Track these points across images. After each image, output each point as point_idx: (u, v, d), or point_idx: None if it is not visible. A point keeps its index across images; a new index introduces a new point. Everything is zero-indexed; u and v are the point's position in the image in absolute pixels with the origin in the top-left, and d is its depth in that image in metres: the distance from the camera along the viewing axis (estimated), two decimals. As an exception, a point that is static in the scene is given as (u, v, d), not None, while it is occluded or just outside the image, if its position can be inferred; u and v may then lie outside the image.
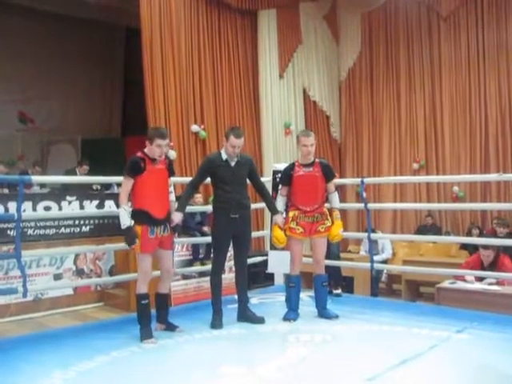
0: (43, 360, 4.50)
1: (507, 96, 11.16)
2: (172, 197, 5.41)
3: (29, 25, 12.99)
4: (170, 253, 5.49)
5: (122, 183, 5.16)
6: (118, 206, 8.18)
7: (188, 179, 6.16)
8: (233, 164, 5.53)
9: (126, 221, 5.01)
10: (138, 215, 5.08)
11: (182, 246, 7.45)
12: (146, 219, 5.08)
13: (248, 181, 5.76)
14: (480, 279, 6.54)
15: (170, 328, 5.40)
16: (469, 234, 9.73)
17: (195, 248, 7.68)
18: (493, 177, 8.43)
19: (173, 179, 5.56)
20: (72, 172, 9.62)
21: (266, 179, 7.19)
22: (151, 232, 5.11)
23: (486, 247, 6.61)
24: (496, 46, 11.26)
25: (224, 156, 5.53)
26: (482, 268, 6.64)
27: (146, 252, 5.12)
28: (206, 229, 7.91)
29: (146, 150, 5.18)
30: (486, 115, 11.42)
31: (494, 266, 6.62)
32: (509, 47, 11.10)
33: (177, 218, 5.33)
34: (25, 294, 5.40)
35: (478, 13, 11.53)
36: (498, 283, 6.46)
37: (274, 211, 5.81)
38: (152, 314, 5.30)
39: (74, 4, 12.18)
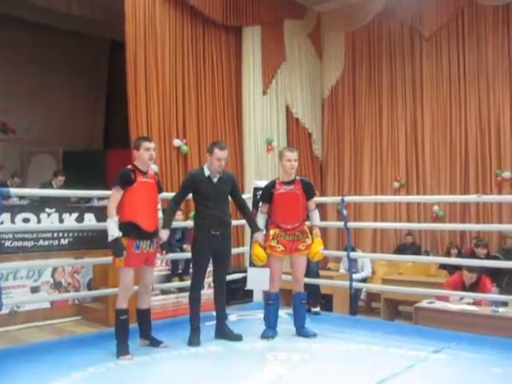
0: (17, 376, 4.44)
1: (487, 116, 11.27)
2: (160, 214, 5.39)
3: (13, 35, 12.93)
4: (153, 269, 5.46)
5: (111, 194, 5.11)
6: (97, 219, 8.27)
7: (169, 194, 6.14)
8: (215, 180, 5.52)
9: (114, 232, 4.95)
10: (126, 228, 5.02)
11: (160, 261, 7.41)
12: (133, 232, 5.03)
13: (229, 197, 5.75)
14: (459, 299, 6.59)
15: (154, 343, 5.36)
16: (447, 253, 9.77)
17: (174, 263, 7.65)
18: (472, 198, 8.53)
19: (160, 196, 5.53)
20: (48, 184, 9.48)
21: (247, 196, 7.20)
22: (136, 247, 5.07)
23: (471, 270, 6.66)
24: (477, 66, 11.40)
25: (207, 172, 5.52)
26: (464, 288, 6.70)
27: (129, 266, 5.07)
28: (185, 246, 7.88)
29: (135, 163, 5.17)
30: (466, 135, 11.53)
31: (475, 286, 6.68)
32: (489, 67, 11.24)
33: (164, 235, 5.31)
34: (0, 308, 5.33)
35: (459, 33, 11.67)
36: (475, 303, 6.50)
37: (254, 229, 5.80)
38: (135, 329, 5.26)
39: (58, 15, 12.18)
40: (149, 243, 5.17)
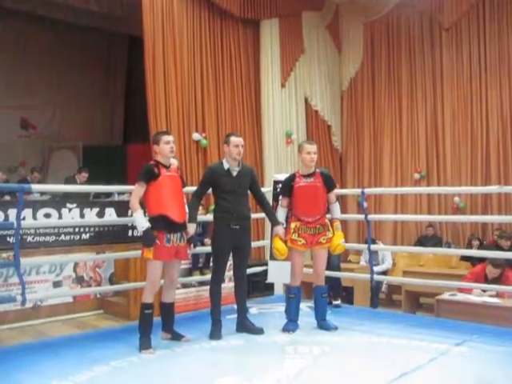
0: (41, 370, 4.48)
1: (509, 107, 11.15)
2: (186, 208, 5.41)
3: (32, 32, 13.07)
4: (180, 263, 5.48)
5: (134, 189, 5.13)
6: (118, 213, 8.33)
7: (190, 188, 6.15)
8: (235, 174, 5.53)
9: (143, 223, 4.98)
10: (156, 221, 5.04)
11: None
12: (163, 224, 5.05)
13: (248, 191, 5.75)
14: (482, 291, 6.53)
15: (176, 337, 5.38)
16: (469, 245, 9.70)
17: (195, 257, 7.68)
18: (493, 189, 8.41)
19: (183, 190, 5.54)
20: (71, 180, 9.60)
21: (267, 189, 7.19)
22: (167, 240, 5.08)
23: (496, 265, 6.59)
24: (498, 57, 11.27)
25: (226, 166, 5.53)
26: (486, 280, 6.64)
27: (158, 259, 5.09)
28: (206, 240, 7.90)
29: (157, 158, 5.19)
30: (488, 126, 11.42)
31: (498, 279, 6.62)
32: (511, 58, 11.10)
33: (191, 229, 5.33)
34: (23, 303, 5.39)
35: (480, 24, 11.54)
36: (498, 295, 6.45)
37: (274, 222, 5.79)
38: (157, 322, 5.29)
39: (76, 12, 12.25)
40: (179, 236, 5.18)
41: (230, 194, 5.46)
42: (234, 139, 5.52)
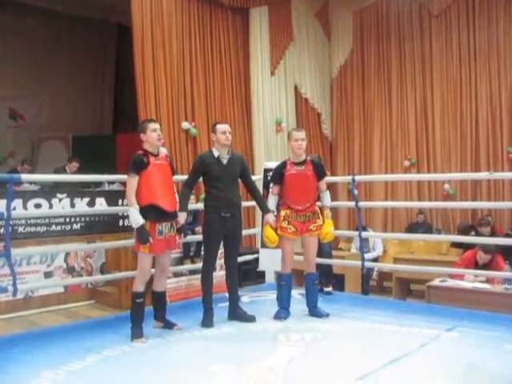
0: (33, 360, 4.48)
1: (498, 94, 11.19)
2: (177, 197, 5.39)
3: (19, 21, 12.92)
4: (171, 252, 5.49)
5: (127, 182, 5.08)
6: (108, 203, 8.31)
7: (179, 177, 6.15)
8: (225, 162, 5.52)
9: (138, 219, 4.94)
10: (146, 211, 5.00)
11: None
12: (154, 214, 5.03)
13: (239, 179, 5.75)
14: (474, 277, 6.58)
15: (168, 326, 5.39)
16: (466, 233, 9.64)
17: (186, 246, 7.68)
18: (483, 175, 8.47)
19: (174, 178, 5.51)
20: (61, 170, 9.54)
21: (257, 177, 7.20)
22: (159, 233, 5.07)
23: (487, 251, 6.64)
24: (487, 44, 11.29)
25: (216, 153, 5.52)
26: (476, 266, 6.69)
27: (154, 253, 5.11)
28: (197, 229, 7.89)
29: (145, 147, 5.16)
30: (477, 113, 11.46)
31: (488, 265, 6.67)
32: (500, 45, 11.13)
33: (182, 218, 5.33)
34: (15, 293, 5.39)
35: (469, 11, 11.55)
36: (488, 281, 6.50)
37: (265, 210, 5.80)
38: (149, 311, 5.30)
39: (64, 1, 12.13)
40: (169, 226, 5.17)
41: (220, 182, 5.46)
42: (220, 126, 5.54)
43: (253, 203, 6.25)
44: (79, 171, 9.37)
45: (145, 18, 9.66)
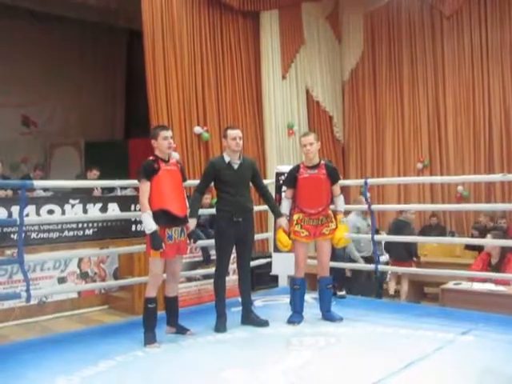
0: (47, 365, 4.50)
1: (511, 95, 11.11)
2: (187, 202, 5.39)
3: (31, 28, 13.01)
4: (182, 257, 5.49)
5: (140, 189, 5.10)
6: (121, 208, 8.32)
7: (192, 182, 6.15)
8: (236, 167, 5.52)
9: (151, 225, 4.95)
10: (157, 216, 5.01)
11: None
12: (164, 219, 5.03)
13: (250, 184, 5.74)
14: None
15: (181, 331, 5.39)
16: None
17: (205, 250, 7.61)
18: (497, 177, 8.40)
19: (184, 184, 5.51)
20: (82, 177, 9.57)
21: (269, 181, 7.18)
22: (169, 237, 5.08)
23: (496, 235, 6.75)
24: (500, 44, 11.22)
25: (227, 159, 5.52)
26: (490, 265, 6.68)
27: (165, 258, 5.11)
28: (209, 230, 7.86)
29: (156, 153, 5.18)
30: (490, 114, 11.39)
31: (501, 264, 6.65)
32: (512, 45, 11.07)
33: (192, 224, 5.33)
34: (28, 299, 5.40)
35: (481, 11, 11.49)
36: (496, 282, 6.43)
37: (277, 214, 5.78)
38: (162, 317, 5.30)
39: (75, 7, 12.18)
40: (180, 231, 5.18)
41: (231, 187, 5.46)
42: (230, 132, 5.53)
43: (265, 207, 6.24)
44: (99, 179, 9.38)
45: (155, 23, 9.69)
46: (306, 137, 5.76)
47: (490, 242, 6.99)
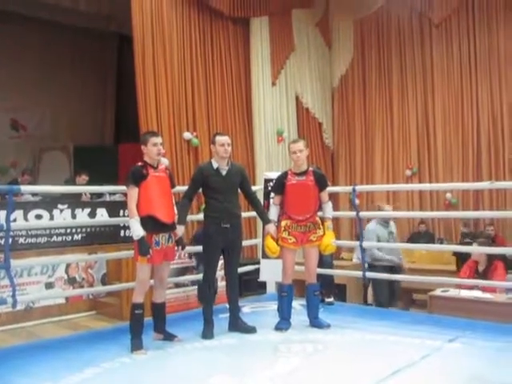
0: (33, 372, 4.46)
1: (499, 103, 11.19)
2: (175, 209, 5.38)
3: (21, 32, 12.96)
4: (170, 264, 5.48)
5: (128, 194, 5.10)
6: (109, 214, 8.29)
7: (181, 188, 6.14)
8: (224, 173, 5.52)
9: (139, 231, 4.94)
10: (144, 222, 5.00)
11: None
12: (151, 226, 5.03)
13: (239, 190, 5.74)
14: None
15: (168, 337, 5.37)
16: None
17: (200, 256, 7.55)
18: (484, 185, 8.46)
19: (173, 190, 5.51)
20: (70, 182, 9.54)
21: (258, 187, 7.19)
22: (156, 243, 5.07)
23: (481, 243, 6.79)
24: (488, 52, 11.29)
25: (215, 165, 5.52)
26: (476, 272, 6.70)
27: (151, 263, 5.09)
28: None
29: (145, 159, 5.18)
30: (478, 122, 11.45)
31: (487, 270, 6.68)
32: (500, 54, 11.15)
33: (180, 231, 5.32)
34: (14, 305, 5.35)
35: (469, 20, 11.57)
36: (483, 289, 6.44)
37: (265, 221, 5.79)
38: (149, 323, 5.29)
39: (65, 11, 12.22)
40: (167, 237, 5.18)
41: (219, 193, 5.45)
42: (219, 138, 5.54)
43: (253, 213, 6.24)
44: (88, 184, 9.35)
45: (145, 28, 9.69)
46: (296, 144, 5.77)
47: (476, 249, 7.02)
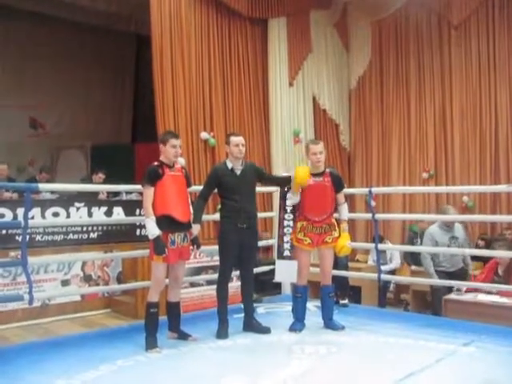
0: (47, 368, 4.51)
1: (518, 105, 11.09)
2: (191, 208, 5.41)
3: (39, 31, 13.08)
4: (185, 263, 5.50)
5: (144, 194, 5.15)
6: (126, 212, 8.35)
7: (197, 188, 6.16)
8: (238, 173, 5.54)
9: (154, 230, 4.99)
10: (160, 221, 5.04)
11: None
12: (167, 225, 5.07)
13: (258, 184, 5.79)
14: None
15: (183, 336, 5.40)
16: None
17: None
18: (502, 188, 8.38)
19: (189, 190, 5.53)
20: (87, 181, 9.61)
21: (275, 188, 7.19)
22: (172, 243, 5.11)
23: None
24: (507, 54, 11.17)
25: (229, 165, 5.55)
26: (496, 274, 6.65)
27: (167, 262, 5.12)
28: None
29: (161, 158, 5.21)
30: (497, 124, 11.34)
31: (508, 271, 6.63)
32: (520, 54, 11.04)
33: (195, 230, 5.36)
34: (31, 302, 5.41)
35: (489, 21, 11.45)
36: (499, 293, 6.40)
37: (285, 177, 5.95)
38: (163, 322, 5.32)
39: (84, 11, 12.28)
40: (182, 236, 5.21)
41: (235, 193, 5.47)
42: (233, 139, 5.57)
43: (270, 214, 6.26)
44: (105, 183, 9.41)
45: (164, 28, 9.72)
46: (317, 145, 5.77)
47: (495, 253, 6.97)
